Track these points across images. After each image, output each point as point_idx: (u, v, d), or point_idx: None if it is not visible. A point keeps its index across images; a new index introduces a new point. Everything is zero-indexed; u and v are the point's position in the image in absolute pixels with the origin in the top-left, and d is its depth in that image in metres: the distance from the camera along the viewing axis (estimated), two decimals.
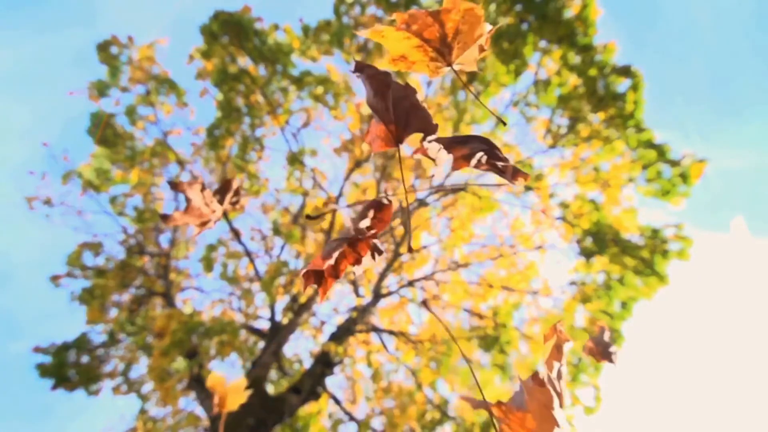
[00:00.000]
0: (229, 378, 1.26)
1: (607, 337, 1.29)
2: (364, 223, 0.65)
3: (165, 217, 0.72)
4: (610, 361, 1.25)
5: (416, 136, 0.65)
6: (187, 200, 0.66)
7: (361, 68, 0.65)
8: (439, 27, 0.65)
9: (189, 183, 0.67)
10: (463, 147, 0.64)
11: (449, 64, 0.68)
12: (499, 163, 0.63)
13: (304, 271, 0.64)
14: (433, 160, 0.65)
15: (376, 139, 0.66)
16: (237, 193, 0.71)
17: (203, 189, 0.67)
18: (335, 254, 0.64)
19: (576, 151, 7.09)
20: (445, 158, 0.65)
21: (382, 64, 0.67)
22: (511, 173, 0.62)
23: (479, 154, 0.63)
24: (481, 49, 0.67)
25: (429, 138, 0.64)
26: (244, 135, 7.29)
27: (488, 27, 0.65)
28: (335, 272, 0.66)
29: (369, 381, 7.46)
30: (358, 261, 0.66)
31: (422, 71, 0.69)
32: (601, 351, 1.28)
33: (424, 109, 0.64)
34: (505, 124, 0.70)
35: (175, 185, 0.65)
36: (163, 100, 7.38)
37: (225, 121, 7.04)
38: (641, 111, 6.36)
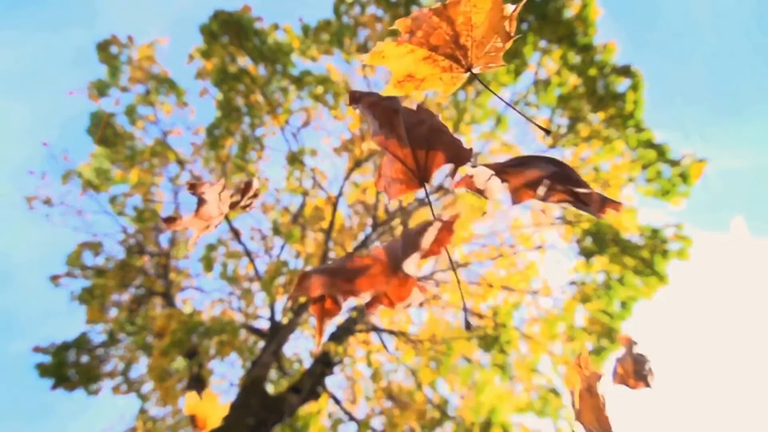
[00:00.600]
0: (205, 394, 1.18)
1: (636, 351, 0.96)
2: (419, 255, 0.39)
3: (168, 221, 0.68)
4: (647, 384, 0.93)
5: (446, 169, 0.50)
6: (201, 202, 0.64)
7: (358, 98, 0.52)
8: (448, 26, 0.53)
9: (209, 184, 0.65)
10: (523, 172, 0.48)
11: (468, 69, 0.55)
12: (579, 190, 0.47)
13: (304, 288, 0.38)
14: (482, 191, 0.50)
15: (392, 182, 0.51)
16: (255, 194, 0.69)
17: (222, 191, 0.65)
18: (357, 284, 0.39)
19: (576, 151, 7.10)
20: (499, 189, 0.49)
21: (386, 91, 0.55)
22: (599, 204, 0.46)
23: (548, 181, 0.48)
24: (507, 37, 0.55)
25: (473, 165, 0.50)
26: (244, 135, 7.29)
27: (510, 7, 0.53)
28: (340, 303, 0.41)
29: (369, 381, 7.46)
30: (388, 302, 0.42)
31: (435, 87, 0.56)
32: (635, 373, 0.94)
33: (448, 133, 0.51)
34: (548, 133, 0.57)
35: (193, 186, 0.63)
36: (163, 99, 7.38)
37: (225, 120, 7.04)
38: (641, 111, 6.37)
